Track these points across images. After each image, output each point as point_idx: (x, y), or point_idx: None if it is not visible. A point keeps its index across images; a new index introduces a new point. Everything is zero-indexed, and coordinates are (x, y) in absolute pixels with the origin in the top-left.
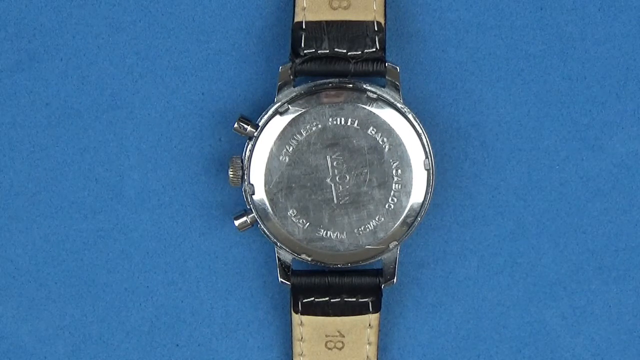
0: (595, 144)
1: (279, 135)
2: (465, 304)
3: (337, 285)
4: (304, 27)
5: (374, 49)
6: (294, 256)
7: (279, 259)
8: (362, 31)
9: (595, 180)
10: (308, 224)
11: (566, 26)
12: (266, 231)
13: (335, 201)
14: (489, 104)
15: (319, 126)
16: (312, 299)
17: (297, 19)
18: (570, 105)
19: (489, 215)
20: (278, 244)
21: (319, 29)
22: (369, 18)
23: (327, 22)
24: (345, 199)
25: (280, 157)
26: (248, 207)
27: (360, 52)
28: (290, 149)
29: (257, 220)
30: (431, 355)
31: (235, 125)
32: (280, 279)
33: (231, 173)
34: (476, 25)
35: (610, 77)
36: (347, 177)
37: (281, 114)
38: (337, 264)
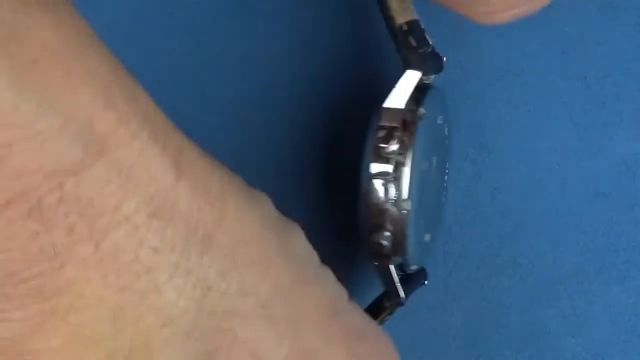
0: (595, 144)
1: None
2: (465, 304)
3: None
4: None
5: None
6: None
7: None
8: None
9: (595, 180)
10: None
11: (566, 26)
12: None
13: None
14: (489, 104)
15: None
16: None
17: None
18: (570, 105)
19: (489, 215)
20: None
21: None
22: None
23: None
24: None
25: None
26: None
27: None
28: None
29: None
30: (431, 355)
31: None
32: None
33: None
34: (476, 25)
35: (610, 77)
36: None
37: None
38: None
